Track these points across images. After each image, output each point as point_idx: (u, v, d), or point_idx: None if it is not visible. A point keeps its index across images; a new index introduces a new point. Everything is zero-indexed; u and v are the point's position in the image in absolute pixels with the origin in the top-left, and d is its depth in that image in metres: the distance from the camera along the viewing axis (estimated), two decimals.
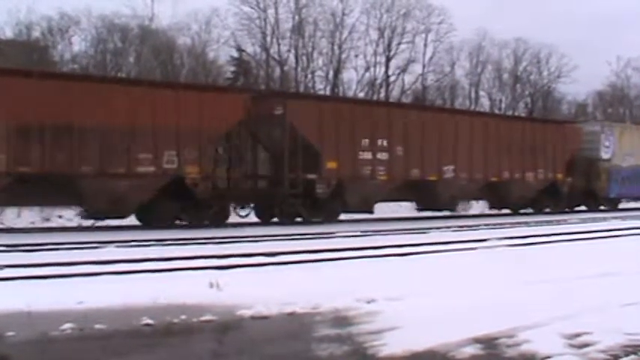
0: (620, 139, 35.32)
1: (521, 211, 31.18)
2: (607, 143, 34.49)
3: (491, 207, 31.25)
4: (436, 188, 26.52)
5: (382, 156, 24.97)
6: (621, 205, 37.65)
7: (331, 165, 23.73)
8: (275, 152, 23.90)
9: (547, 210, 31.32)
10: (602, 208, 34.52)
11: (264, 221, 23.61)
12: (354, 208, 24.76)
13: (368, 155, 24.64)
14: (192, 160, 20.95)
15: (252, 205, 23.53)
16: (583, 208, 34.28)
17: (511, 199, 29.95)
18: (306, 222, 23.13)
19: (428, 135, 26.11)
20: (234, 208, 22.91)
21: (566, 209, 32.65)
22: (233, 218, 22.75)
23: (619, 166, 34.82)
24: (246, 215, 23.21)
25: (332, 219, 23.82)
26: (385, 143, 25.03)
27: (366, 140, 24.56)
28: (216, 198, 21.66)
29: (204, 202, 21.41)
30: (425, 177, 26.08)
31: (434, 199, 26.93)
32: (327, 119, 23.74)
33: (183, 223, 21.36)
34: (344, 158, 23.92)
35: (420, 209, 28.21)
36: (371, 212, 25.25)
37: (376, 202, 25.47)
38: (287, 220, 23.10)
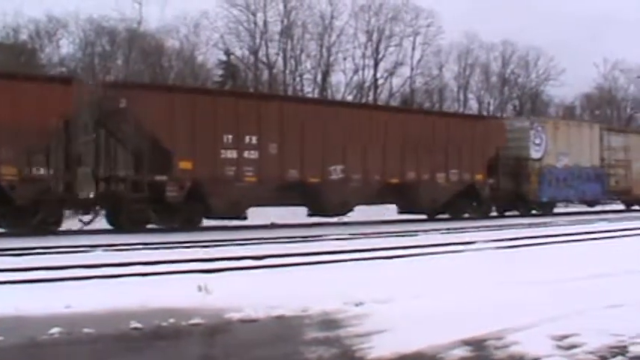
0: (553, 136, 32.37)
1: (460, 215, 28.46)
2: (538, 141, 31.57)
3: (401, 212, 27.80)
4: (320, 191, 23.76)
5: (251, 155, 22.08)
6: (570, 210, 35.34)
7: (185, 165, 20.93)
8: (129, 151, 21.65)
9: (466, 216, 28.42)
10: (534, 212, 32.07)
11: (116, 228, 20.58)
12: (221, 214, 22.15)
13: (232, 154, 21.76)
14: (7, 159, 18.28)
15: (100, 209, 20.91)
16: (515, 213, 31.54)
17: (420, 202, 26.82)
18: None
19: (310, 131, 23.16)
20: (81, 213, 20.32)
21: (495, 214, 30.57)
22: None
23: (552, 166, 32.11)
24: (89, 222, 20.35)
25: (190, 226, 21.19)
26: (255, 140, 22.13)
27: (230, 137, 21.67)
28: (43, 203, 18.98)
29: (25, 207, 18.67)
30: (305, 178, 23.29)
31: (320, 202, 24.25)
32: (181, 112, 20.84)
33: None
34: (202, 157, 21.09)
35: (309, 215, 25.21)
36: (242, 218, 22.49)
37: (248, 206, 22.45)
38: (135, 228, 19.96)
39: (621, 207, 38.94)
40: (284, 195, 23.22)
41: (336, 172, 24.04)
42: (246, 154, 22.00)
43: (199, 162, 21.02)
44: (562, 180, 32.50)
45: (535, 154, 31.33)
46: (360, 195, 24.86)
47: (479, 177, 28.32)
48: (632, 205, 38.87)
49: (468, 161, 27.79)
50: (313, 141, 23.22)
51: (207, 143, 21.21)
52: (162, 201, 20.57)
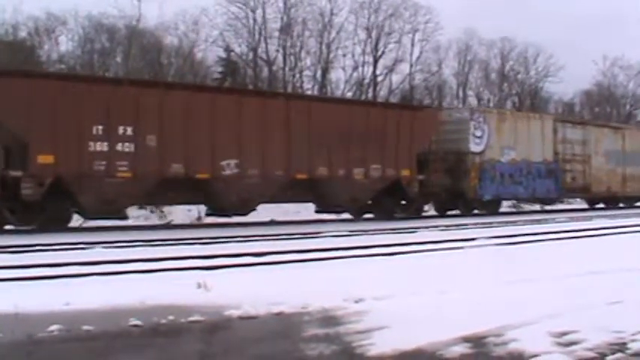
0: (498, 128, 29.64)
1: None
2: (478, 133, 28.78)
3: (318, 210, 25.43)
4: (212, 188, 21.38)
5: (124, 147, 19.70)
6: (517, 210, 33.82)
7: (45, 159, 18.63)
8: None
9: (397, 215, 25.94)
10: (477, 212, 29.77)
11: None
12: (95, 214, 19.97)
13: (102, 147, 19.39)
14: None
15: None
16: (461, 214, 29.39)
17: (336, 201, 24.23)
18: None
19: (197, 121, 20.79)
20: None
21: (430, 213, 28.51)
22: None
23: (496, 160, 29.43)
24: None
25: (54, 225, 18.88)
26: (130, 131, 19.77)
27: (100, 128, 19.31)
28: None
29: None
30: (192, 174, 20.83)
31: (214, 201, 22.18)
32: (40, 101, 18.45)
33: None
34: (65, 151, 18.79)
35: (208, 214, 23.59)
36: (122, 218, 20.53)
37: (127, 205, 20.53)
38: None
39: (583, 205, 37.92)
40: (168, 192, 20.97)
41: (230, 166, 21.58)
42: (119, 146, 19.62)
43: (62, 156, 18.75)
44: (508, 176, 29.94)
45: (475, 147, 28.72)
46: (261, 192, 22.19)
47: (405, 173, 25.60)
48: (597, 203, 37.25)
49: (392, 155, 25.14)
50: (201, 133, 20.85)
51: (72, 135, 18.93)
52: (17, 199, 18.44)
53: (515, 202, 36.11)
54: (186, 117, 20.52)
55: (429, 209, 29.20)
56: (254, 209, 22.94)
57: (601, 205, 36.93)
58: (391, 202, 26.04)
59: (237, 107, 21.74)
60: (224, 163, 21.43)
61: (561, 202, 37.81)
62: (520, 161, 30.42)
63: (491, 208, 30.09)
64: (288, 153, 22.60)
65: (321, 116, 23.29)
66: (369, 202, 25.42)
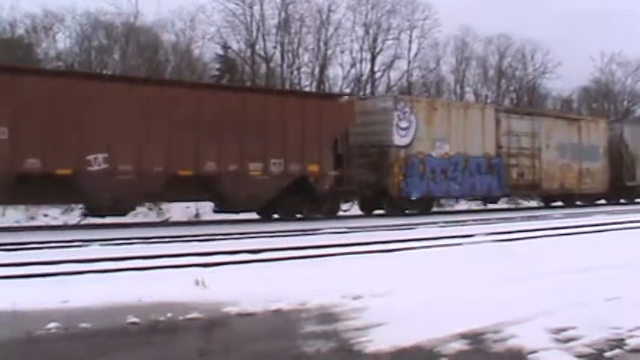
0: (428, 119, 26.89)
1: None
2: (404, 124, 26.10)
3: (216, 210, 23.38)
4: (77, 185, 18.92)
5: None
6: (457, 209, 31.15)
7: None
8: None
9: (299, 215, 23.32)
10: (408, 212, 26.53)
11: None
12: None
13: None
14: None
15: None
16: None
17: (229, 200, 21.86)
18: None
19: (57, 111, 18.51)
20: None
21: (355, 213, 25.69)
22: None
23: (426, 155, 26.76)
24: None
25: None
26: None
27: None
28: None
29: None
30: (52, 170, 18.45)
31: (83, 199, 20.01)
32: None
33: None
34: None
35: (85, 215, 20.97)
36: None
37: None
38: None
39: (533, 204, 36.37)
40: (23, 190, 18.50)
41: (98, 161, 19.17)
42: None
43: None
44: (440, 172, 27.23)
45: (400, 140, 26.01)
46: (137, 191, 19.89)
47: (313, 168, 23.10)
48: (554, 201, 34.91)
49: (296, 149, 22.62)
50: (62, 124, 18.62)
51: None
52: None
53: (507, 198, 34.99)
54: (44, 106, 18.31)
55: (350, 209, 25.97)
56: (133, 209, 21.44)
57: (558, 203, 34.72)
58: (297, 201, 23.40)
59: (106, 95, 19.34)
60: (91, 157, 19.09)
61: (512, 200, 36.15)
62: (455, 155, 27.77)
63: (421, 207, 27.03)
64: (169, 146, 20.15)
65: (208, 106, 20.95)
66: (274, 201, 22.74)
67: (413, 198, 26.39)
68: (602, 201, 35.98)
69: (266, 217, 23.28)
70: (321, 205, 23.96)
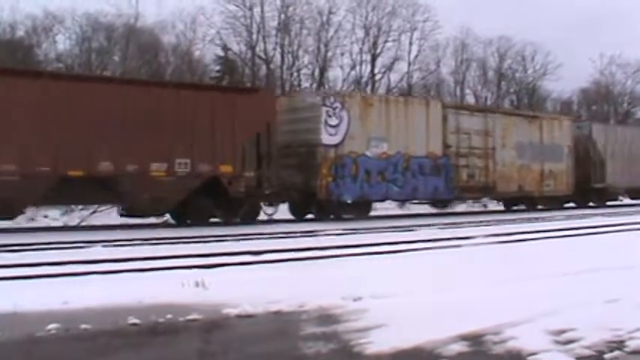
0: (362, 115, 24.76)
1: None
2: (334, 122, 24.04)
3: (122, 214, 21.24)
4: None
5: None
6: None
7: None
8: None
9: (217, 220, 21.56)
10: (342, 217, 24.36)
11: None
12: None
13: None
14: None
15: None
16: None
17: (130, 203, 20.24)
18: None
19: None
20: None
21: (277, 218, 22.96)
22: None
23: (359, 154, 24.60)
24: None
25: None
26: None
27: None
28: None
29: None
30: None
31: None
32: None
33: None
34: None
35: None
36: None
37: None
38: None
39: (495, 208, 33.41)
40: None
41: None
42: None
43: None
44: (376, 173, 25.02)
45: (329, 138, 23.96)
46: (23, 193, 18.05)
47: (226, 169, 21.29)
48: (516, 204, 32.10)
49: (206, 147, 20.76)
50: None
51: None
52: None
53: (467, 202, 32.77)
54: None
55: (275, 213, 23.40)
56: (22, 212, 19.73)
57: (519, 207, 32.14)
58: (210, 205, 21.45)
59: None
60: None
61: (472, 204, 33.67)
62: (394, 155, 25.54)
63: (357, 212, 24.80)
64: (58, 144, 18.32)
65: (105, 100, 19.08)
66: (185, 204, 20.91)
67: (345, 201, 24.37)
68: (571, 204, 34.09)
69: (181, 222, 21.40)
70: (237, 209, 22.05)
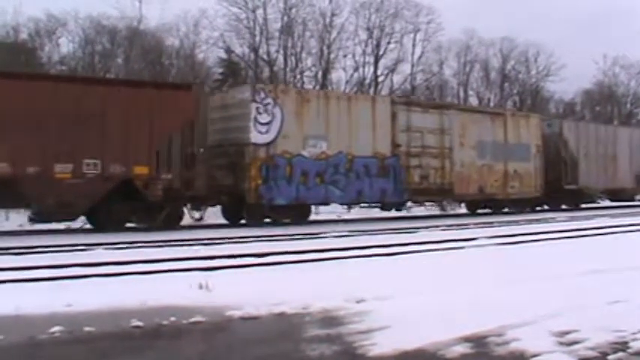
0: (298, 112, 22.90)
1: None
2: (264, 119, 22.16)
3: (32, 219, 19.49)
4: None
5: None
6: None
7: None
8: None
9: (133, 225, 19.89)
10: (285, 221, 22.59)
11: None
12: None
13: None
14: None
15: None
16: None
17: (35, 207, 18.75)
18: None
19: None
20: None
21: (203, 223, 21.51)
22: None
23: (294, 155, 22.67)
24: None
25: None
26: None
27: None
28: None
29: None
30: None
31: None
32: None
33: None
34: None
35: None
36: None
37: None
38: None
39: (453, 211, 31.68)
40: None
41: None
42: None
43: None
44: (314, 175, 23.12)
45: (259, 137, 22.08)
46: None
47: (141, 170, 19.58)
48: (481, 207, 30.18)
49: (118, 147, 19.07)
50: None
51: None
52: None
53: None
54: None
55: (203, 217, 21.93)
56: None
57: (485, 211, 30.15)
58: (125, 209, 19.84)
59: None
60: None
61: (431, 207, 31.21)
62: (335, 155, 23.62)
63: (294, 216, 22.98)
64: None
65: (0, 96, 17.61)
66: (96, 208, 19.33)
67: (277, 204, 22.48)
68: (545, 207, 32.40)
69: (99, 227, 19.72)
70: (156, 214, 20.12)
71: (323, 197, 23.75)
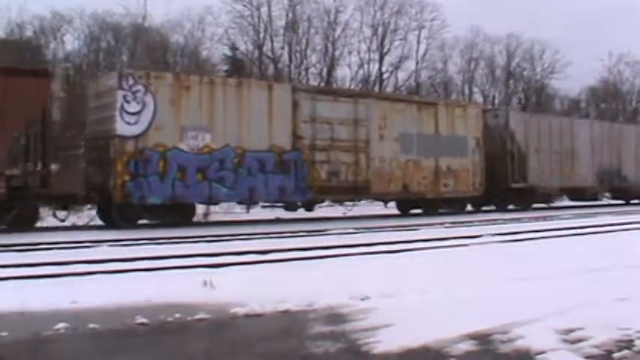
0: (175, 100, 20.51)
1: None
2: (133, 108, 19.80)
3: None
4: None
5: None
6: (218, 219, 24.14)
7: None
8: None
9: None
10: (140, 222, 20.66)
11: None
12: None
13: None
14: None
15: None
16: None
17: None
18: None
19: None
20: None
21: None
22: None
23: (170, 148, 20.31)
24: None
25: None
26: None
27: None
28: None
29: None
30: None
31: None
32: None
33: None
34: None
35: None
36: None
37: None
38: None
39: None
40: None
41: None
42: None
43: None
44: (195, 171, 20.75)
45: (126, 128, 19.69)
46: None
47: None
48: (414, 207, 27.43)
49: None
50: None
51: None
52: None
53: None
54: None
55: (67, 218, 19.87)
56: None
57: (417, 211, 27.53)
58: None
59: None
60: None
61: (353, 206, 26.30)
62: (221, 149, 21.29)
63: (171, 216, 20.71)
64: None
65: None
66: None
67: (151, 203, 20.22)
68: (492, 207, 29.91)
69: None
70: (3, 214, 17.99)
71: (206, 195, 21.35)
